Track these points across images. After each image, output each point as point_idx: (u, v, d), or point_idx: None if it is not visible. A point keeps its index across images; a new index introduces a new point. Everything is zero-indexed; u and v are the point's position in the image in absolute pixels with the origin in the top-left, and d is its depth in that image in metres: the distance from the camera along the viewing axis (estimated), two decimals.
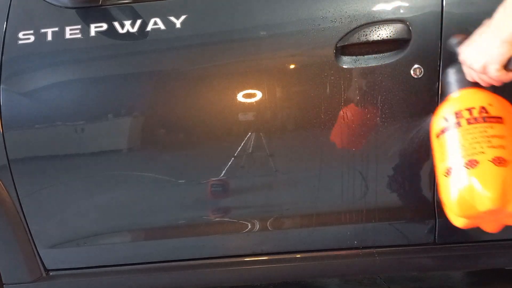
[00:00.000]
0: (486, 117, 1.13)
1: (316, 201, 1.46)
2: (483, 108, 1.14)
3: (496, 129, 1.11)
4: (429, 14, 1.37)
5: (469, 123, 1.12)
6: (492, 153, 1.07)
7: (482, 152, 1.07)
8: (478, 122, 1.11)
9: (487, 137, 1.09)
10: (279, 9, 1.41)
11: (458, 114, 1.15)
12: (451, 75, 1.25)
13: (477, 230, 1.49)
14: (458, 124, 1.13)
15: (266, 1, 1.43)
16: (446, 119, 1.17)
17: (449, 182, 1.10)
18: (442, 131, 1.16)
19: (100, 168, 1.44)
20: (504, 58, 1.07)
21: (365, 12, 1.38)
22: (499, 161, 1.06)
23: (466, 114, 1.14)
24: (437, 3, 1.38)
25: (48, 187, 1.45)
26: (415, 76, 1.37)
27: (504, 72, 1.09)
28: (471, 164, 1.05)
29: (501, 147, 1.08)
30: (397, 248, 1.49)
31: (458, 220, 1.12)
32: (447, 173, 1.09)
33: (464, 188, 1.07)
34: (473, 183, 1.05)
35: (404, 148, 1.42)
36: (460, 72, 1.23)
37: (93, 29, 1.41)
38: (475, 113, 1.14)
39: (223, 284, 1.56)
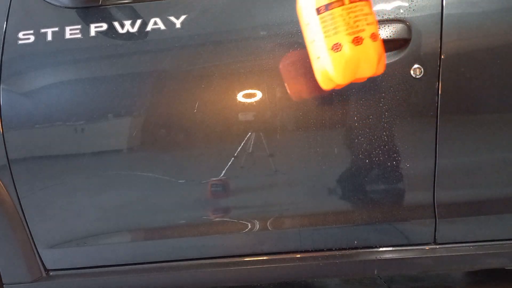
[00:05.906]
0: None
1: (316, 201, 1.46)
2: None
3: (368, 7, 1.24)
4: (429, 14, 1.38)
5: (351, 1, 1.22)
6: (370, 30, 1.23)
7: (363, 30, 1.22)
8: (358, 0, 1.22)
9: (364, 15, 1.23)
10: (278, 9, 1.41)
11: None
12: None
13: (477, 230, 1.50)
14: (341, 1, 1.22)
15: (266, 1, 1.43)
16: None
17: (338, 56, 1.22)
18: (325, 7, 1.22)
19: (100, 168, 1.44)
20: None
21: None
22: (375, 37, 1.24)
23: None
24: (437, 3, 1.38)
25: (48, 187, 1.45)
26: (415, 76, 1.38)
27: None
28: (357, 41, 1.22)
29: (373, 23, 1.24)
30: (397, 248, 1.50)
31: (336, 82, 1.27)
32: (337, 48, 1.22)
33: (351, 60, 1.22)
34: (359, 57, 1.22)
35: (404, 147, 1.42)
36: None
37: (93, 29, 1.41)
38: None
39: (223, 284, 1.56)
